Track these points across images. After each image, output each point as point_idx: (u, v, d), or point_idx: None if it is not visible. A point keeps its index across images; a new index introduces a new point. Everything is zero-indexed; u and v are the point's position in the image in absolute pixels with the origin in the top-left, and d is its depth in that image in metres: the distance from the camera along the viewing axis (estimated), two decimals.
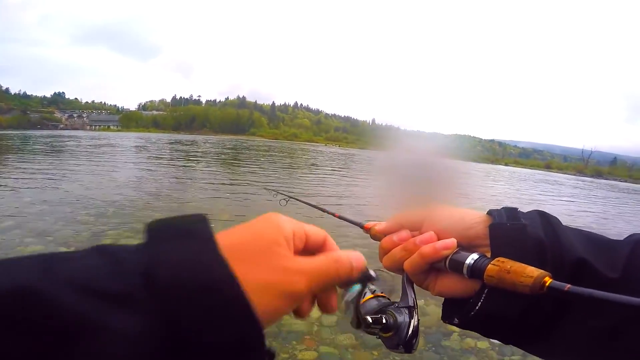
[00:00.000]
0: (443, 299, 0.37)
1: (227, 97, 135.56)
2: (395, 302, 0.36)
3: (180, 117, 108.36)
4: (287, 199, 0.77)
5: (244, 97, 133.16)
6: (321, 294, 0.28)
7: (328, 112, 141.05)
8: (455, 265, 0.34)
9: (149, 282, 0.19)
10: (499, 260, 0.31)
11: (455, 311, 0.35)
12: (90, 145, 17.33)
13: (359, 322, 0.33)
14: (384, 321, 0.34)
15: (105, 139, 26.11)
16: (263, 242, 0.24)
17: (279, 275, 0.24)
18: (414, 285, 0.38)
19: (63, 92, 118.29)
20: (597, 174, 59.26)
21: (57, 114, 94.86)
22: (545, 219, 0.35)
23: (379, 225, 0.41)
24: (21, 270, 0.18)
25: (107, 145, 19.03)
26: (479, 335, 0.35)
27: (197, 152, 18.27)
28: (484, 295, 0.32)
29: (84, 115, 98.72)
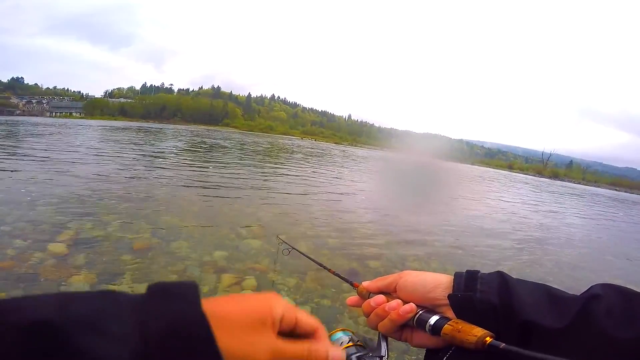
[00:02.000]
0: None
1: (201, 87, 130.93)
2: (369, 352, 0.45)
3: (150, 106, 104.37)
4: (289, 249, 0.80)
5: (218, 87, 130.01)
6: None
7: (305, 106, 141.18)
8: (420, 324, 0.42)
9: (142, 329, 0.23)
10: (454, 321, 0.40)
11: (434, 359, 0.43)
12: (46, 132, 16.20)
13: None
14: None
15: (63, 125, 24.52)
16: (250, 318, 0.28)
17: (246, 346, 0.27)
18: (388, 339, 0.46)
19: (22, 78, 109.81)
20: (555, 175, 63.06)
21: (14, 100, 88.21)
22: (503, 282, 0.42)
23: (365, 283, 0.50)
24: (42, 306, 0.22)
25: (63, 132, 17.87)
26: None
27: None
28: (450, 351, 0.40)
29: (44, 102, 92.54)
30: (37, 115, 70.68)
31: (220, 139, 25.15)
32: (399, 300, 0.44)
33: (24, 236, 3.06)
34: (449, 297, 0.42)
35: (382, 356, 0.44)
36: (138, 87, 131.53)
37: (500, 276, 0.42)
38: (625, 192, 51.96)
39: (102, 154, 9.63)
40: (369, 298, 0.47)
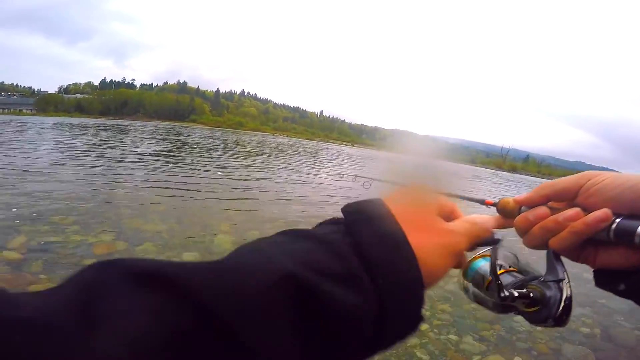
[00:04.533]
0: None
1: (166, 82, 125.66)
2: (539, 277, 0.34)
3: (109, 102, 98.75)
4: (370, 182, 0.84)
5: (184, 83, 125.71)
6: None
7: (277, 102, 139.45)
8: (622, 234, 0.31)
9: (365, 263, 0.24)
10: None
11: (620, 278, 0.32)
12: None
13: (499, 295, 0.32)
14: (531, 295, 0.33)
15: (22, 123, 22.68)
16: (424, 212, 0.30)
17: (447, 237, 0.29)
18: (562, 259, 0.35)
19: None
20: (513, 169, 66.96)
21: None
22: None
23: (516, 197, 0.37)
24: (279, 258, 0.22)
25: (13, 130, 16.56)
26: None
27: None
28: None
29: None
30: None
31: (199, 137, 24.26)
32: (577, 209, 0.33)
33: None
34: None
35: (561, 279, 0.32)
36: (97, 82, 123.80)
37: None
38: None
39: (57, 152, 9.02)
40: (520, 213, 0.36)
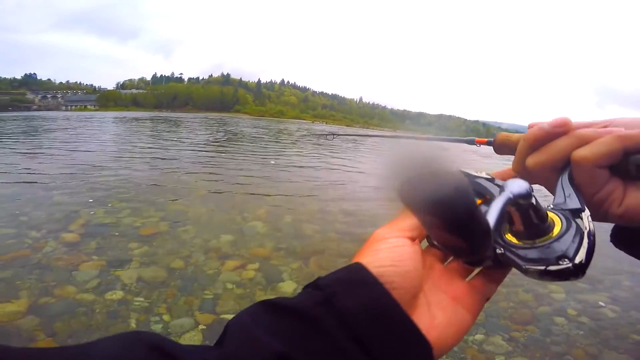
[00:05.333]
0: None
1: (211, 75, 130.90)
2: (547, 206, 0.25)
3: (161, 96, 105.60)
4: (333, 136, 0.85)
5: (228, 75, 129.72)
6: None
7: (315, 90, 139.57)
8: None
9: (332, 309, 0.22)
10: None
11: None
12: (69, 126, 16.62)
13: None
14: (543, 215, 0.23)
15: (85, 118, 25.11)
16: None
17: None
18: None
19: (34, 74, 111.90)
20: None
21: (29, 95, 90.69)
22: None
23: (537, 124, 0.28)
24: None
25: (87, 124, 18.35)
26: None
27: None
28: None
29: (59, 96, 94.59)
30: (53, 110, 72.45)
31: (247, 126, 25.04)
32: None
33: (39, 226, 3.17)
34: None
35: (582, 209, 0.24)
36: (149, 77, 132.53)
37: None
38: None
39: (117, 144, 9.84)
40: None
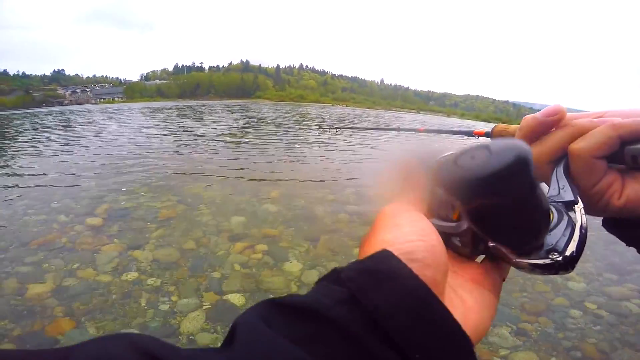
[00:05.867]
0: None
1: (231, 62, 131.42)
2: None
3: (185, 85, 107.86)
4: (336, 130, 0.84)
5: (247, 61, 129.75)
6: None
7: (335, 73, 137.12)
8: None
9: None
10: None
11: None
12: (104, 119, 17.31)
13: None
14: None
15: (113, 110, 26.10)
16: None
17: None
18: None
19: (62, 69, 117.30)
20: None
21: (60, 91, 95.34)
22: None
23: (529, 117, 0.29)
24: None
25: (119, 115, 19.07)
26: None
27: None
28: None
29: (88, 90, 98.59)
30: (83, 103, 76.24)
31: (269, 112, 25.06)
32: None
33: (67, 211, 3.38)
34: None
35: (575, 202, 0.24)
36: (171, 68, 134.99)
37: None
38: None
39: (144, 133, 10.19)
40: None
